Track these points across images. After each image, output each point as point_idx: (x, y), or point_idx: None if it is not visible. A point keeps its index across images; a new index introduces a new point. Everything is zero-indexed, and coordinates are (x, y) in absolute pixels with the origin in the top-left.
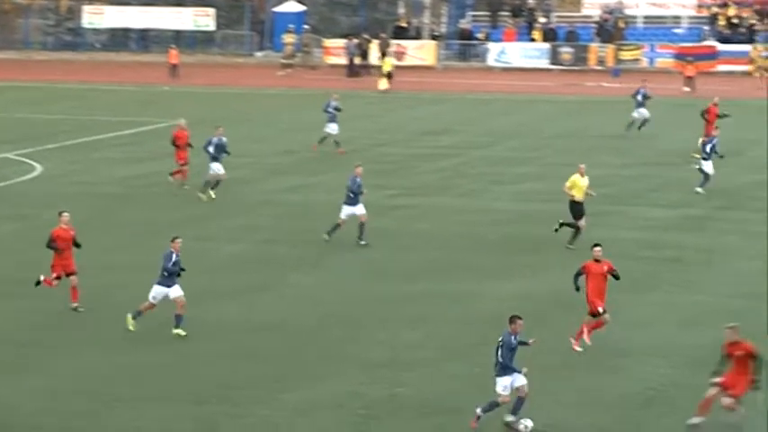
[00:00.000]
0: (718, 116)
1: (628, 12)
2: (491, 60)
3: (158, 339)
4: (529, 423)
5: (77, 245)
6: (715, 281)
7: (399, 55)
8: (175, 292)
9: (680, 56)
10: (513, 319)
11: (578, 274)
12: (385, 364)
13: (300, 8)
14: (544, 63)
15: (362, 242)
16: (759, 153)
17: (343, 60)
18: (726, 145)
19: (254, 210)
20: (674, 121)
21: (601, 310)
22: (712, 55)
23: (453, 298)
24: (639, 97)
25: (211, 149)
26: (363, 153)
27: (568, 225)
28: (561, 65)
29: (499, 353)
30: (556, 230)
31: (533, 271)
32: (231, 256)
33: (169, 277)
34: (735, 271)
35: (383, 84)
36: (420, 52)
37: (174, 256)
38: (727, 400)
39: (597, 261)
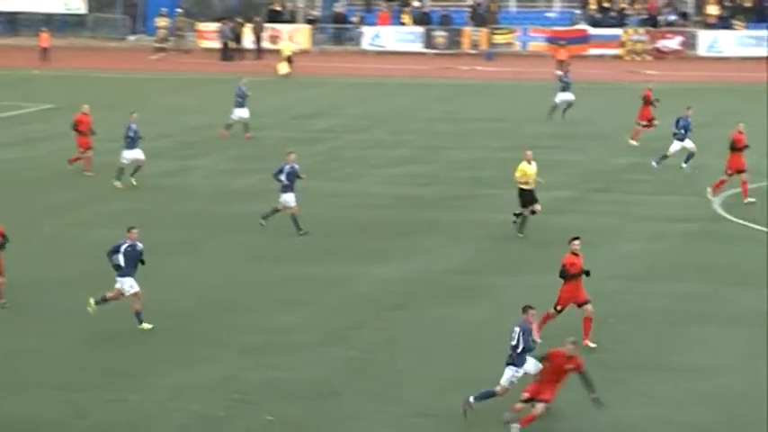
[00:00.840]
0: (655, 101)
1: None
2: (365, 44)
3: (28, 325)
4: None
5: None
6: (589, 263)
7: (274, 39)
8: (135, 286)
9: (552, 40)
10: (525, 309)
11: (563, 274)
12: (261, 347)
13: None
14: (418, 47)
15: (302, 231)
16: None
17: (217, 44)
18: (598, 128)
19: (132, 194)
20: (548, 105)
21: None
22: (584, 39)
23: (331, 281)
24: (566, 79)
25: (131, 134)
26: (240, 137)
27: (518, 215)
28: (435, 48)
29: (520, 339)
30: (514, 222)
31: (409, 254)
32: (106, 241)
33: (129, 267)
34: (609, 253)
35: (283, 68)
36: (295, 36)
37: (125, 247)
38: (540, 407)
39: (575, 254)
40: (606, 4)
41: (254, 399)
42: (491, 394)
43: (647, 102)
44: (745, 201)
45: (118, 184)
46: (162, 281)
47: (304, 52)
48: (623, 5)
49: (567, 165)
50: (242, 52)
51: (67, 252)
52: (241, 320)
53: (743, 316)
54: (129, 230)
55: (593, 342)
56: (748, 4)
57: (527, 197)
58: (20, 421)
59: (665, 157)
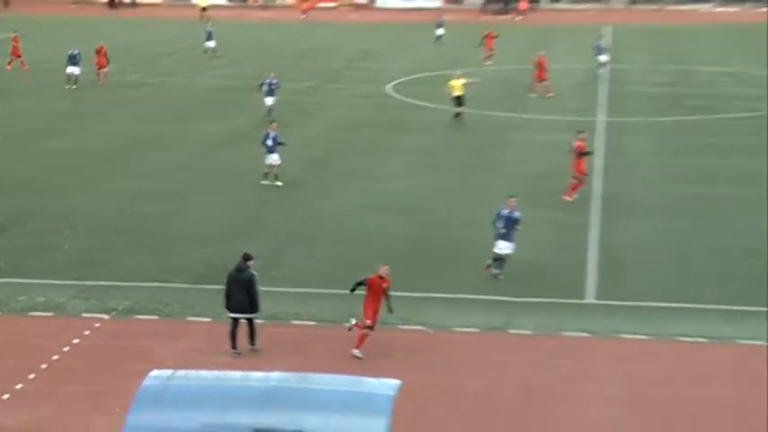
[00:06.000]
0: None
1: None
2: None
3: None
4: None
5: None
6: (319, 124)
7: None
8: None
9: None
10: (508, 198)
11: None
12: None
13: None
14: None
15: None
16: None
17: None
18: (331, 48)
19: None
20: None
21: None
22: None
23: None
24: (441, 21)
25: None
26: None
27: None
28: None
29: (498, 224)
30: (455, 118)
31: None
32: None
33: None
34: (328, 118)
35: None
36: None
37: None
38: (366, 331)
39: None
40: None
41: None
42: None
43: (540, 67)
44: (548, 95)
45: None
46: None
47: None
48: None
49: (318, 68)
50: (123, 4)
51: None
52: None
53: (407, 148)
54: None
55: None
56: None
57: (457, 101)
58: None
59: (602, 64)
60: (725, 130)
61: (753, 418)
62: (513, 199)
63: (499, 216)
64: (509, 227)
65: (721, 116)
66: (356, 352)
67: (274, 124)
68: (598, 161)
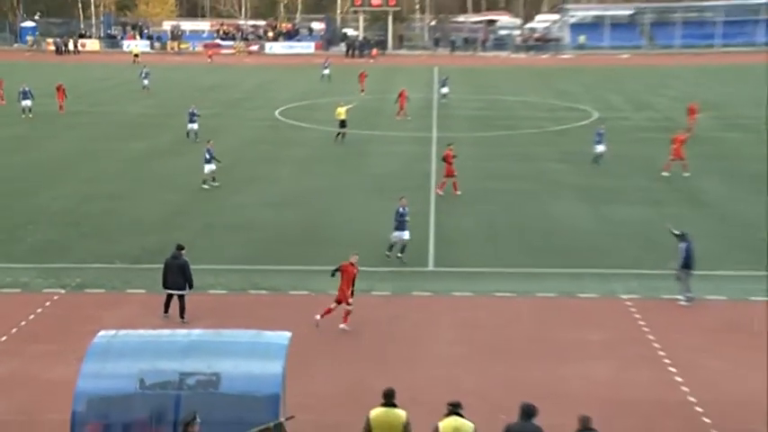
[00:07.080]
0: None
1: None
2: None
3: None
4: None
5: None
6: (225, 141)
7: (83, 45)
8: None
9: (206, 46)
10: (400, 198)
11: None
12: None
13: None
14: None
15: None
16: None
17: (54, 47)
18: (237, 82)
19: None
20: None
21: None
22: (219, 45)
23: None
24: (327, 65)
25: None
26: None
27: (340, 134)
28: (154, 49)
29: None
30: (336, 138)
31: None
32: None
33: None
34: (234, 137)
35: (136, 57)
36: (88, 44)
37: None
38: (348, 308)
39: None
40: (226, 32)
41: None
42: (392, 246)
43: (399, 97)
44: (398, 117)
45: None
46: None
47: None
48: (233, 32)
49: (222, 98)
50: (68, 52)
51: None
52: None
53: (293, 158)
54: None
55: None
56: (286, 30)
57: (341, 125)
58: None
59: (444, 95)
60: (522, 143)
61: (544, 346)
62: (404, 199)
63: (397, 213)
64: (403, 220)
65: (519, 132)
66: (343, 326)
67: (212, 142)
68: (432, 165)
